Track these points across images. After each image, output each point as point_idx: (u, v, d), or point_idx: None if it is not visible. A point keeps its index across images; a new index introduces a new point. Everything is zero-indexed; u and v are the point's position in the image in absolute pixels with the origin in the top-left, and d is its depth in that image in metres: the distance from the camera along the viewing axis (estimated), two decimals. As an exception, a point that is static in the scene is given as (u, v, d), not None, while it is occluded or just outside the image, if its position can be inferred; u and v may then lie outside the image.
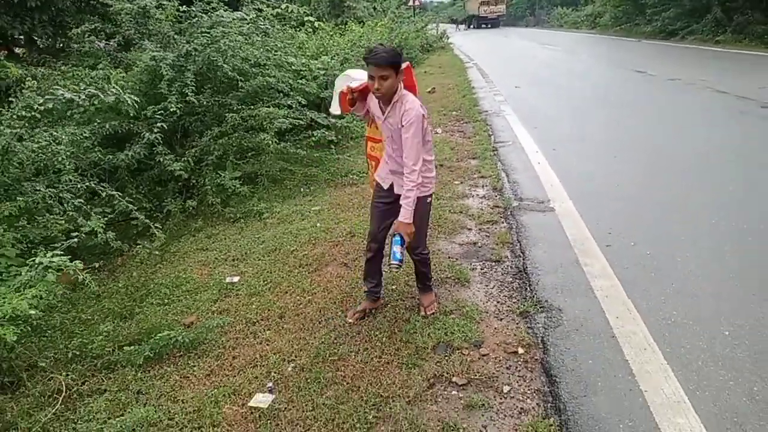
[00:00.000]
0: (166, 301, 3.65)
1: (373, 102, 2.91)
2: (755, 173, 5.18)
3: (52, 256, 2.62)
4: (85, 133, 4.81)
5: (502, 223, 4.48)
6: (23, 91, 4.19)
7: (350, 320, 3.17)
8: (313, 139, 6.52)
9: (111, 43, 6.68)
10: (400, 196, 2.83)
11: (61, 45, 7.67)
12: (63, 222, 3.97)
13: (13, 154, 3.52)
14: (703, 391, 2.37)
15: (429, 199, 2.99)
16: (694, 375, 2.47)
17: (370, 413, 2.41)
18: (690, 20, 21.22)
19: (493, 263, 3.80)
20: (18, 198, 3.69)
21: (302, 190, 5.93)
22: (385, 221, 3.08)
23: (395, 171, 2.93)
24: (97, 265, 4.33)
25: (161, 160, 5.26)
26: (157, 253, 4.50)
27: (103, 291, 3.86)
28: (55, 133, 4.12)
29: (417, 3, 32.47)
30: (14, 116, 3.53)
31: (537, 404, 2.41)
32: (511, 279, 3.57)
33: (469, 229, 4.41)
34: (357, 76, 3.14)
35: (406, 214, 2.76)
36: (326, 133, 6.68)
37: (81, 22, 7.22)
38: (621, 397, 2.38)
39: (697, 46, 18.58)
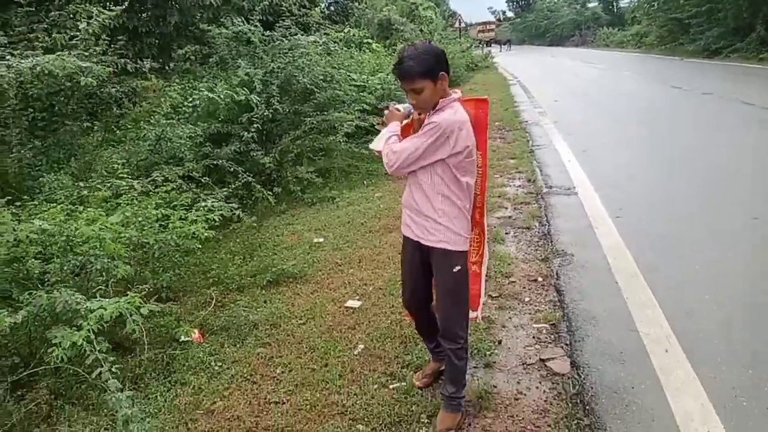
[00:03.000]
0: (271, 252, 4.82)
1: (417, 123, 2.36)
2: (760, 171, 6.00)
3: (211, 203, 3.82)
4: (198, 131, 6.13)
5: (533, 203, 5.48)
6: (169, 93, 5.48)
7: (418, 384, 2.69)
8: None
9: (209, 62, 8.05)
10: (429, 247, 2.29)
11: (164, 64, 9.16)
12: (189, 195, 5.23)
13: (165, 140, 4.80)
14: (667, 288, 3.31)
15: (463, 264, 2.29)
16: (662, 280, 3.42)
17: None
18: (733, 39, 21.58)
19: (524, 230, 4.81)
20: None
21: (365, 181, 7.08)
22: (418, 281, 2.47)
23: (419, 211, 2.29)
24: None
25: (254, 155, 6.51)
26: (255, 225, 5.70)
27: (222, 245, 5.07)
28: (184, 129, 5.42)
29: (462, 25, 33.71)
30: (165, 112, 4.81)
31: (548, 307, 3.41)
32: (537, 239, 4.57)
33: (506, 208, 5.43)
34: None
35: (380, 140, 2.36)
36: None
37: (182, 46, 8.68)
38: (609, 300, 3.37)
39: (740, 63, 18.94)
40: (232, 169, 5.29)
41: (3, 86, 4.35)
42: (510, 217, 5.16)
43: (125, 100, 6.65)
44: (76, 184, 3.85)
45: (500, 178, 6.52)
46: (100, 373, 2.37)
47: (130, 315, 2.29)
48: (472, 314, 2.60)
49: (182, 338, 3.46)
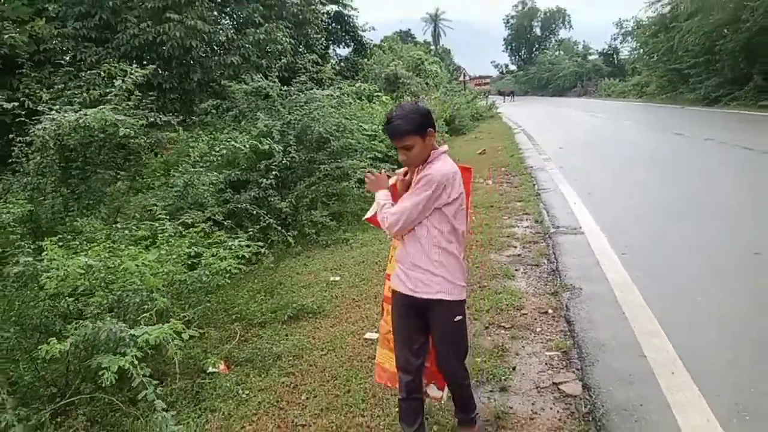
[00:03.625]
0: (290, 290, 5.03)
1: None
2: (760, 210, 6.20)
3: (238, 242, 4.07)
4: (219, 177, 6.46)
5: (541, 242, 5.68)
6: (197, 144, 5.84)
7: None
8: (384, 187, 8.04)
9: (229, 115, 8.50)
10: (426, 300, 2.27)
11: (185, 117, 9.66)
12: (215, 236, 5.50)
13: (191, 187, 5.11)
14: (673, 319, 3.46)
15: (462, 313, 2.35)
16: (668, 312, 3.58)
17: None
18: (732, 88, 22.24)
19: (533, 266, 5.00)
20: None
21: (378, 225, 7.34)
22: (415, 341, 2.40)
23: (414, 265, 2.29)
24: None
25: (271, 200, 6.81)
26: (272, 266, 5.93)
27: (242, 285, 5.28)
28: (209, 176, 5.74)
29: (467, 78, 34.86)
30: (193, 161, 5.14)
31: (558, 336, 3.57)
32: (546, 275, 4.75)
33: (515, 247, 5.63)
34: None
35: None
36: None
37: (203, 100, 9.18)
38: (617, 330, 3.52)
39: (739, 111, 19.43)
40: (254, 212, 5.58)
41: (45, 138, 4.73)
42: (519, 255, 5.36)
43: (149, 151, 7.05)
44: (114, 225, 4.13)
45: (508, 219, 6.75)
46: (146, 395, 2.56)
47: (172, 340, 2.49)
48: (435, 391, 2.63)
49: (210, 369, 3.64)
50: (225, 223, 5.38)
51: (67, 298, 3.01)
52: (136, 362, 2.65)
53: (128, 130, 4.24)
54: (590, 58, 65.39)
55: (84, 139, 5.28)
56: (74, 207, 5.25)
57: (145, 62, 8.54)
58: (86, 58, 8.71)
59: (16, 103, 5.26)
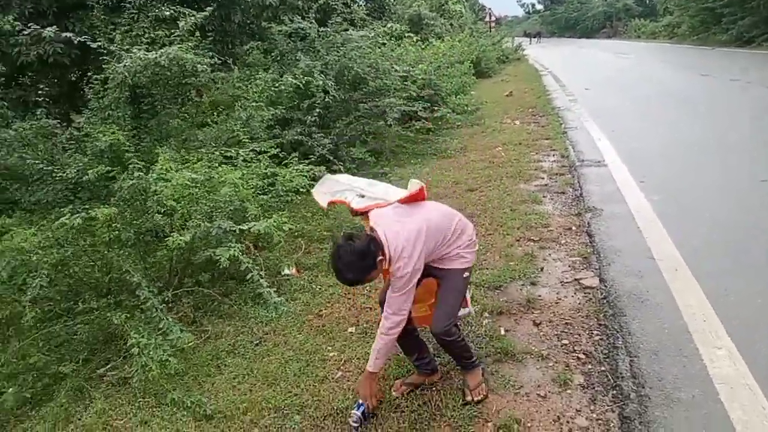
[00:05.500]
0: (341, 214, 5.68)
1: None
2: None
3: (302, 167, 4.69)
4: (268, 115, 7.03)
5: (567, 174, 6.21)
6: (257, 81, 6.40)
7: (395, 393, 2.68)
8: (416, 127, 8.57)
9: (270, 57, 8.96)
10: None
11: (227, 58, 10.14)
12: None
13: (252, 119, 5.71)
14: (681, 230, 4.04)
15: (466, 273, 2.52)
16: (677, 224, 4.14)
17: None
18: (767, 28, 21.62)
19: (559, 194, 5.56)
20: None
21: (413, 160, 7.90)
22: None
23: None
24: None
25: (314, 137, 7.38)
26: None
27: (300, 208, 5.94)
28: (265, 112, 6.31)
29: (493, 19, 34.15)
30: (254, 96, 5.72)
31: (581, 246, 4.18)
32: (571, 201, 5.32)
33: (542, 178, 6.17)
34: (351, 187, 2.93)
35: (370, 363, 2.39)
36: (424, 123, 8.76)
37: (244, 42, 9.62)
38: (631, 239, 4.12)
39: (773, 51, 19.10)
40: (309, 144, 6.20)
41: (125, 75, 5.32)
42: (546, 184, 5.91)
43: (202, 89, 7.63)
44: (199, 150, 4.79)
45: (536, 155, 7.25)
46: (252, 277, 3.26)
47: (276, 230, 3.15)
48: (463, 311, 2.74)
49: (285, 271, 4.36)
50: (280, 154, 6.00)
51: (176, 203, 3.67)
52: (240, 254, 3.35)
53: (205, 66, 4.78)
54: (621, -4, 62.84)
55: (155, 77, 5.87)
56: (146, 139, 5.91)
57: (185, 4, 8.94)
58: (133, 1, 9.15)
59: (86, 39, 5.69)
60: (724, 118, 8.38)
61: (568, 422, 2.36)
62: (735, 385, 2.41)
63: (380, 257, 2.23)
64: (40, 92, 6.41)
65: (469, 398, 2.51)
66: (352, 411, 2.42)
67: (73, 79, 7.72)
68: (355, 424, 2.39)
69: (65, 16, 8.23)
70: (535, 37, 54.54)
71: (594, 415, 2.38)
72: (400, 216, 2.40)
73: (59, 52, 6.63)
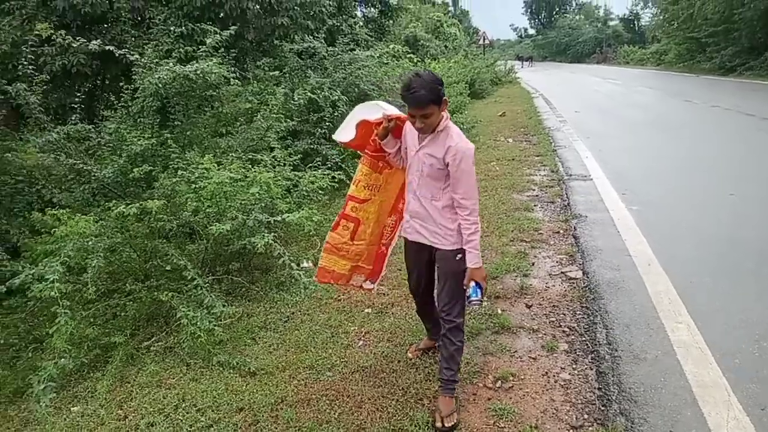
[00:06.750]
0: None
1: (411, 133, 2.62)
2: (746, 170, 7.26)
3: (321, 172, 5.23)
4: (282, 126, 7.59)
5: (556, 186, 6.80)
6: (276, 95, 6.97)
7: (410, 355, 3.12)
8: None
9: (281, 73, 9.56)
10: (434, 250, 2.67)
11: (242, 74, 10.72)
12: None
13: (271, 129, 6.26)
14: (655, 233, 4.61)
15: (460, 255, 2.59)
16: (653, 229, 4.72)
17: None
18: (748, 57, 22.72)
19: (549, 203, 6.14)
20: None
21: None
22: (422, 273, 2.90)
23: (418, 215, 2.67)
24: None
25: (323, 149, 7.94)
26: (327, 202, 7.11)
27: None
28: (282, 123, 6.87)
29: (486, 42, 35.14)
30: (274, 108, 6.28)
31: (567, 247, 4.74)
32: (559, 209, 5.89)
33: (534, 190, 6.76)
34: (388, 108, 2.81)
35: (474, 259, 2.53)
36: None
37: (257, 59, 10.23)
38: (612, 241, 4.69)
39: (753, 81, 20.05)
40: (323, 153, 6.75)
41: (158, 86, 5.86)
42: (537, 195, 6.49)
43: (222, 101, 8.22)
44: (231, 155, 5.33)
45: (528, 169, 7.86)
46: (284, 261, 3.77)
47: (307, 220, 3.68)
48: (368, 285, 3.18)
49: (303, 264, 4.87)
50: (296, 163, 6.54)
51: (217, 199, 4.18)
52: (274, 242, 3.87)
53: (237, 80, 5.33)
54: (610, 23, 64.74)
55: (182, 88, 6.41)
56: (173, 146, 6.43)
57: (202, 22, 9.52)
58: (154, 17, 9.74)
59: (119, 50, 6.22)
60: (701, 140, 9.07)
61: (554, 376, 2.89)
62: (689, 347, 2.96)
63: (446, 99, 2.45)
64: (76, 98, 6.94)
65: (439, 424, 2.56)
66: (472, 297, 2.55)
67: (90, 87, 8.26)
68: (480, 300, 2.57)
69: (88, 30, 8.81)
70: (527, 61, 55.93)
71: (576, 372, 2.92)
72: None
73: (81, 62, 7.19)
